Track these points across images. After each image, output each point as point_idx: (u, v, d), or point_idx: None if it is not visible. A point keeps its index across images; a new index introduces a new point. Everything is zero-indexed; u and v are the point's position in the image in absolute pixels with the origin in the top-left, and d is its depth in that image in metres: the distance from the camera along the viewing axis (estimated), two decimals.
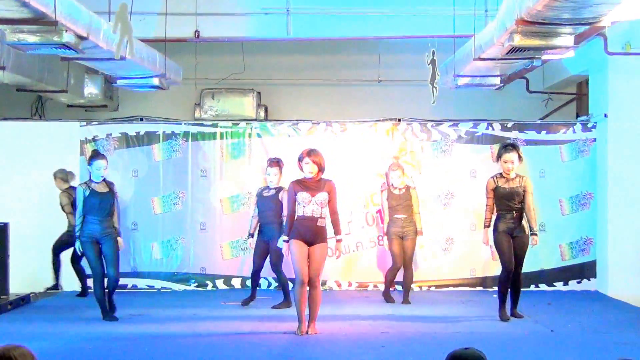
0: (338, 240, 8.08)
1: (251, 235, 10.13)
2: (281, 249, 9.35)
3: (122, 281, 11.51)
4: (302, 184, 8.05)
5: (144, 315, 9.38)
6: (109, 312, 8.86)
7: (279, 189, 9.91)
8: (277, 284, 10.43)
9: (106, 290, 8.84)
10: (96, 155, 9.01)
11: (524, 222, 8.77)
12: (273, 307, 9.74)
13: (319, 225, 7.93)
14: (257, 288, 10.18)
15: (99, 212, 8.75)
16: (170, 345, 7.55)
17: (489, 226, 8.89)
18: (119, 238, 8.90)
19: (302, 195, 7.95)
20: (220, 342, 7.63)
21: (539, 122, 12.11)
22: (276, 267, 9.85)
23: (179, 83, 11.55)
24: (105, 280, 8.83)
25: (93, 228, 8.74)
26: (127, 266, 11.59)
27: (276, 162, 9.99)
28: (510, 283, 8.73)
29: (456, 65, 10.03)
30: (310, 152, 8.03)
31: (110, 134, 11.80)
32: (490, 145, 11.74)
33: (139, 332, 8.21)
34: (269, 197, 9.95)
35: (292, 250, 7.96)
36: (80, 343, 7.62)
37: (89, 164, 8.96)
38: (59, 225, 10.84)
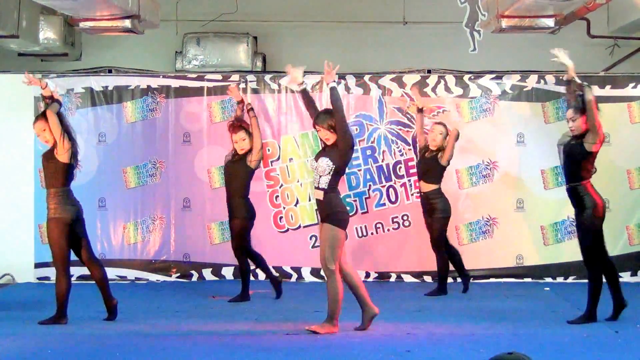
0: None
1: None
2: (245, 230, 9.72)
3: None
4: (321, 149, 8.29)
5: None
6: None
7: (246, 154, 10.04)
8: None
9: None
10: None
11: (582, 193, 8.45)
12: (229, 301, 10.03)
13: (317, 198, 8.06)
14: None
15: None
16: (147, 348, 7.61)
17: None
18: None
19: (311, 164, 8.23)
20: (209, 345, 7.68)
21: (602, 74, 12.07)
22: (237, 251, 10.11)
23: (156, 26, 11.53)
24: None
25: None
26: (94, 252, 11.66)
27: (239, 125, 10.06)
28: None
29: (500, 2, 9.99)
30: (316, 119, 8.10)
31: (72, 90, 11.83)
32: (542, 103, 11.73)
33: (108, 332, 8.27)
34: (233, 165, 10.10)
35: None
36: (38, 345, 7.69)
37: None
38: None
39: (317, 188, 8.02)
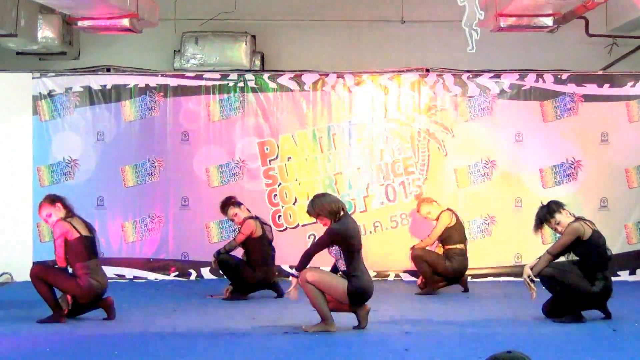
0: (293, 276, 8.20)
1: None
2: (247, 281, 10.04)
3: None
4: None
5: None
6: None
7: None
8: None
9: None
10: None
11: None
12: (224, 299, 10.07)
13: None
14: None
15: None
16: (145, 347, 7.61)
17: None
18: None
19: None
20: (207, 344, 7.69)
21: (601, 73, 12.07)
22: (221, 263, 10.29)
23: (155, 25, 11.52)
24: None
25: None
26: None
27: (229, 202, 10.25)
28: None
29: (499, 1, 9.98)
30: (307, 209, 8.26)
31: (70, 88, 11.83)
32: (541, 102, 11.73)
33: (106, 332, 8.27)
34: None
35: None
36: (36, 344, 7.69)
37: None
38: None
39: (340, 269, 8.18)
